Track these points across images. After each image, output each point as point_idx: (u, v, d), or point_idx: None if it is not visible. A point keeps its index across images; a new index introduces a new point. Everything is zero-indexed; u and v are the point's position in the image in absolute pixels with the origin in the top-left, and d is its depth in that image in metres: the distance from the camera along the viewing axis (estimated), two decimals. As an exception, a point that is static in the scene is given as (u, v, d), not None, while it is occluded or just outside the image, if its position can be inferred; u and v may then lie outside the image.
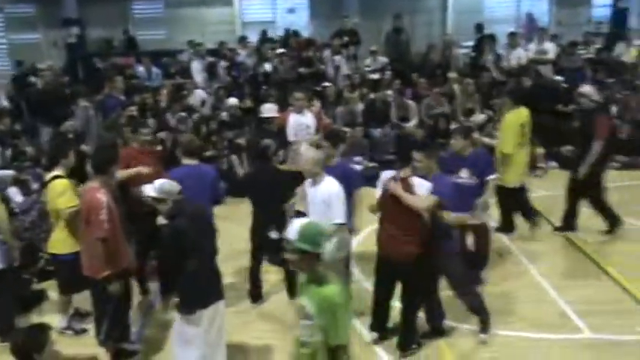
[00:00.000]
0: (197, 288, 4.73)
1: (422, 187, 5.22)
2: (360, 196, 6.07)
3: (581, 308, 6.24)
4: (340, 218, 5.42)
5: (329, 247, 3.62)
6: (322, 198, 5.43)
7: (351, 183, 5.87)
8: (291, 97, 8.32)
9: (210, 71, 13.05)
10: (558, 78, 12.22)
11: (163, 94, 11.29)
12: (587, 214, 8.56)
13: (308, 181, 5.63)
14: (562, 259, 7.45)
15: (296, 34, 15.37)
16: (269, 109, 7.56)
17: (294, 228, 3.52)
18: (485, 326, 5.79)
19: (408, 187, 5.23)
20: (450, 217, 5.29)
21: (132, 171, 6.26)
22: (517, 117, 7.53)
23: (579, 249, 7.67)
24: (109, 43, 17.11)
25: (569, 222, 8.08)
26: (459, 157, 6.39)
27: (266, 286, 6.79)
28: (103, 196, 4.99)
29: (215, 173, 6.43)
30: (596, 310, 6.20)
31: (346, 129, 11.16)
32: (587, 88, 7.81)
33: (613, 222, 7.94)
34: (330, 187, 5.45)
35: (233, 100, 11.10)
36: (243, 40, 14.52)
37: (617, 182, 9.99)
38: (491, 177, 6.40)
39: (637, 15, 18.03)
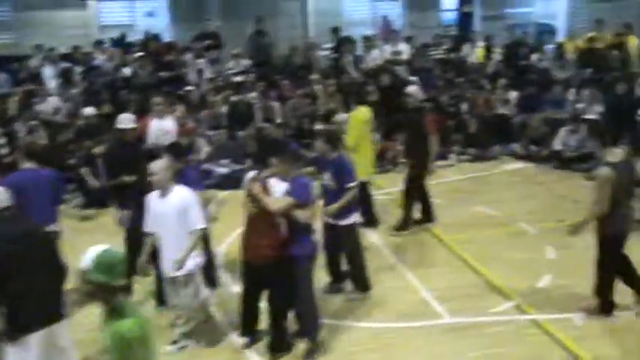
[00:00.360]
0: (21, 311, 4.34)
1: (278, 188, 5.30)
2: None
3: (440, 295, 6.61)
4: (201, 223, 5.39)
5: None
6: (176, 209, 5.31)
7: None
8: (151, 102, 8.12)
9: (65, 77, 12.39)
10: (413, 78, 12.85)
11: (12, 101, 10.58)
12: (443, 206, 9.11)
13: (154, 194, 5.44)
14: (422, 250, 7.84)
15: (156, 37, 14.98)
16: (126, 120, 7.25)
17: (88, 257, 3.29)
18: (311, 350, 5.60)
19: (266, 189, 5.30)
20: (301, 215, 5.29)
21: None
22: (360, 114, 8.03)
23: (438, 238, 8.12)
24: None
25: (428, 214, 8.51)
26: (324, 159, 6.46)
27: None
28: None
29: (55, 175, 6.22)
30: (454, 295, 6.60)
31: (211, 132, 11.07)
32: (412, 89, 8.33)
33: (405, 222, 8.31)
34: (182, 194, 5.36)
35: (89, 110, 10.57)
36: (99, 44, 13.93)
37: (468, 173, 10.77)
38: (351, 184, 6.30)
39: (480, 19, 19.40)
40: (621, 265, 6.07)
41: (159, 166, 5.32)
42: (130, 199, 6.47)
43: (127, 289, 3.60)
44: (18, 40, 16.07)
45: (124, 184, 6.63)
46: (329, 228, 6.52)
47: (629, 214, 5.95)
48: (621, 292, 6.14)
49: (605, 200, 5.63)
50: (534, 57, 13.67)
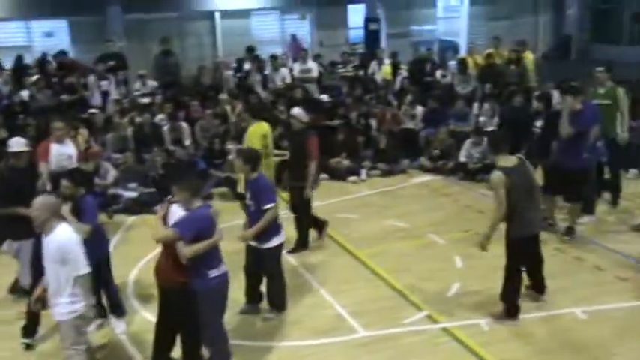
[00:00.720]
0: None
1: (174, 216, 5.18)
2: None
3: (354, 309, 6.66)
4: (83, 269, 4.81)
5: None
6: (51, 254, 4.79)
7: None
8: (52, 127, 7.77)
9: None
10: (324, 96, 13.02)
11: None
12: (355, 221, 9.24)
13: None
14: (335, 266, 7.87)
15: (63, 53, 14.47)
16: (17, 144, 6.91)
17: None
18: None
19: (166, 215, 5.23)
20: (183, 250, 5.08)
21: None
22: (258, 129, 8.10)
23: (350, 253, 8.19)
24: None
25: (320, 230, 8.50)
26: (248, 180, 6.36)
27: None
28: None
29: None
30: (368, 308, 6.67)
31: (117, 156, 10.76)
32: (296, 111, 8.20)
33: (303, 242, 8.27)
34: (61, 239, 4.78)
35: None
36: None
37: (379, 188, 10.97)
38: (269, 206, 6.16)
39: (386, 36, 19.97)
40: (530, 264, 6.36)
41: (39, 203, 4.83)
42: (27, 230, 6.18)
43: None
44: None
45: (17, 214, 6.29)
46: (251, 250, 6.44)
47: (533, 217, 6.22)
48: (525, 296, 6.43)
49: (502, 203, 5.89)
50: (438, 73, 14.15)
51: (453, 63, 15.03)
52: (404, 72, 14.49)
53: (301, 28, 20.17)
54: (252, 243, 6.39)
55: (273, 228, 6.33)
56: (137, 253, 8.13)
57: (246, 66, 13.94)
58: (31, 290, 6.43)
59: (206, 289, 5.20)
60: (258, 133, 8.05)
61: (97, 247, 5.83)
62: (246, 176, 6.34)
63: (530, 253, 6.36)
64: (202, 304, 5.25)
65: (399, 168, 11.77)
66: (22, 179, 6.63)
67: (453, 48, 21.37)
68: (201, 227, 5.13)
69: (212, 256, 5.23)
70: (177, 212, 5.20)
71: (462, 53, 18.85)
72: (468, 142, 11.37)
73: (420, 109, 12.65)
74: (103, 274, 6.20)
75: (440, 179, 11.32)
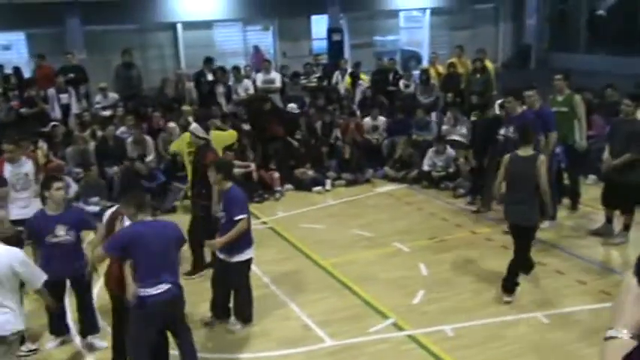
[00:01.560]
0: None
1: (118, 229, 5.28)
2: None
3: (321, 319, 6.65)
4: (40, 281, 4.93)
5: None
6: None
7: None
8: (2, 148, 7.47)
9: None
10: (293, 105, 13.00)
11: None
12: (320, 231, 9.24)
13: None
14: (301, 276, 7.84)
15: (17, 70, 14.21)
16: None
17: None
18: None
19: (113, 228, 5.30)
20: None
21: None
22: (219, 136, 8.33)
23: (315, 263, 8.18)
24: None
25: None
26: (220, 190, 6.32)
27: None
28: None
29: None
30: (334, 318, 6.66)
31: (78, 170, 10.58)
32: (193, 126, 8.02)
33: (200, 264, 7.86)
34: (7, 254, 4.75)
35: None
36: None
37: (344, 198, 11.00)
38: (240, 217, 6.11)
39: (349, 47, 20.13)
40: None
41: None
42: None
43: None
44: None
45: None
46: (220, 263, 6.38)
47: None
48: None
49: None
50: (402, 83, 14.28)
51: (415, 72, 15.22)
52: (364, 83, 14.55)
53: (264, 39, 20.20)
54: (222, 255, 6.33)
55: (245, 241, 6.28)
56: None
57: (209, 77, 13.85)
58: None
59: (134, 306, 5.06)
60: (220, 141, 8.21)
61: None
62: (219, 186, 6.30)
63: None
64: (131, 320, 5.17)
65: (364, 177, 11.82)
66: None
67: (416, 58, 21.71)
68: (127, 243, 5.02)
69: (147, 276, 5.02)
70: (123, 225, 5.25)
71: (425, 63, 19.12)
72: (430, 151, 11.49)
73: (382, 120, 12.74)
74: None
75: (404, 188, 11.40)
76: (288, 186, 11.45)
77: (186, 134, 8.16)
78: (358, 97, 14.19)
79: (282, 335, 6.39)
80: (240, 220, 6.11)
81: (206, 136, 7.76)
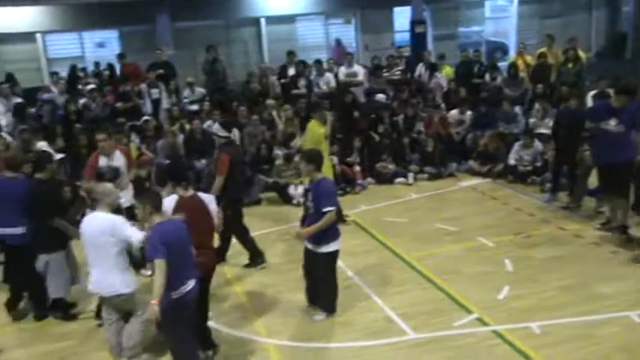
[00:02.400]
0: None
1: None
2: None
3: (403, 312, 6.63)
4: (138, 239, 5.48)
5: None
6: None
7: None
8: (96, 139, 7.84)
9: (19, 113, 12.10)
10: (381, 96, 12.99)
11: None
12: (403, 224, 9.20)
13: None
14: (384, 269, 7.84)
15: (111, 67, 14.90)
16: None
17: None
18: None
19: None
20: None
21: None
22: (316, 126, 8.62)
23: (399, 257, 8.17)
24: None
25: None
26: (311, 181, 6.40)
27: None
28: None
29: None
30: (417, 311, 6.63)
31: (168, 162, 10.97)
32: (215, 126, 8.11)
33: (254, 255, 8.09)
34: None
35: (42, 144, 10.38)
36: (54, 75, 13.89)
37: (427, 192, 10.90)
38: (328, 209, 6.15)
39: (432, 38, 19.84)
40: None
41: None
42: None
43: None
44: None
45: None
46: (307, 252, 6.49)
47: None
48: None
49: None
50: (487, 76, 13.94)
51: (502, 64, 14.81)
52: (440, 75, 14.25)
53: (346, 32, 20.21)
54: (309, 245, 6.43)
55: (331, 233, 6.32)
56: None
57: (291, 71, 14.03)
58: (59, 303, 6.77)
59: (164, 309, 4.92)
60: (315, 130, 8.53)
61: None
62: (310, 177, 6.37)
63: None
64: (163, 324, 5.08)
65: (447, 171, 11.67)
66: (49, 191, 6.73)
67: (502, 49, 21.12)
68: (166, 245, 4.94)
69: (173, 277, 4.99)
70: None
71: (511, 54, 18.59)
72: (517, 144, 11.20)
73: (469, 114, 12.52)
74: None
75: (488, 182, 11.18)
76: (370, 179, 11.46)
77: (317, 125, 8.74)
78: (437, 89, 13.93)
79: (365, 327, 6.43)
80: (328, 212, 6.17)
81: (228, 135, 7.91)
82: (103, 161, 7.60)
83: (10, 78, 13.90)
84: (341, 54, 16.50)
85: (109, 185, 6.00)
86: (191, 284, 5.17)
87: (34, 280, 6.74)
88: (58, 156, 7.29)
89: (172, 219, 5.26)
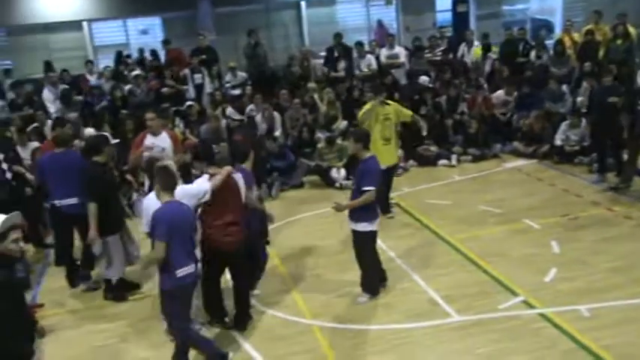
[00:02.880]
0: None
1: (150, 206, 5.44)
2: None
3: (447, 294, 6.60)
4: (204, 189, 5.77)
5: None
6: None
7: None
8: (145, 117, 8.01)
9: (65, 99, 12.41)
10: (425, 78, 12.86)
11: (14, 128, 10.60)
12: (446, 206, 9.13)
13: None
14: (427, 250, 7.82)
15: (155, 53, 15.10)
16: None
17: None
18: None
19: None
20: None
21: None
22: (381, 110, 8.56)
23: (442, 238, 8.12)
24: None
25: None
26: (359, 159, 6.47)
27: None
28: None
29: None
30: (461, 293, 6.59)
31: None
32: (229, 110, 8.20)
33: None
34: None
35: (89, 130, 10.62)
36: (90, 63, 14.24)
37: (470, 173, 10.78)
38: (368, 188, 6.22)
39: (475, 18, 19.46)
40: None
41: None
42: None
43: None
44: (15, 66, 16.18)
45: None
46: (351, 231, 6.57)
47: None
48: None
49: None
50: (533, 54, 13.63)
51: (548, 42, 14.44)
52: (493, 55, 14.02)
53: (387, 13, 19.97)
54: (351, 224, 6.49)
55: (368, 213, 6.35)
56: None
57: (335, 53, 13.98)
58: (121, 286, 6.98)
59: (171, 288, 5.13)
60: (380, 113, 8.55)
61: None
62: (358, 155, 6.44)
63: None
64: (168, 302, 5.26)
65: (491, 153, 11.51)
66: (104, 175, 6.88)
67: (547, 27, 20.58)
68: (169, 228, 5.02)
69: (180, 255, 5.11)
70: (153, 202, 5.33)
71: (557, 31, 18.11)
72: (564, 124, 10.95)
73: (514, 95, 12.28)
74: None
75: (534, 163, 10.99)
76: (412, 162, 11.39)
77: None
78: (488, 69, 13.71)
79: (407, 308, 6.42)
80: (367, 191, 6.19)
81: (242, 118, 7.97)
82: (149, 140, 7.75)
83: (48, 66, 14.27)
84: (383, 35, 16.34)
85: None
86: (190, 268, 5.22)
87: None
88: (114, 141, 7.46)
89: (179, 202, 5.23)
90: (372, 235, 6.53)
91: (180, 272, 5.11)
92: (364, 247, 6.55)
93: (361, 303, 6.62)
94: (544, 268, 6.98)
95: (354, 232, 6.46)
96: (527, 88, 12.22)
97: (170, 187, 5.17)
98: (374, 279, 6.73)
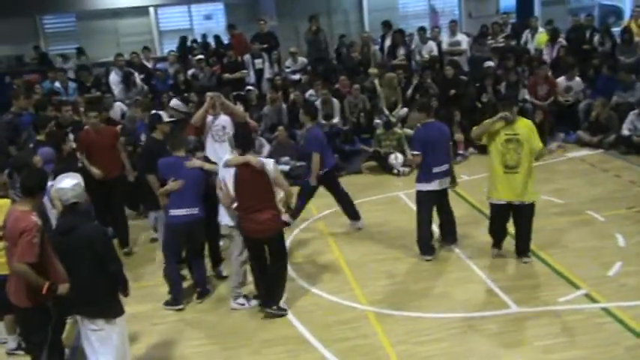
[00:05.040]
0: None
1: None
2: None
3: (506, 284, 6.52)
4: None
5: None
6: None
7: None
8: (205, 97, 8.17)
9: (126, 82, 12.73)
10: (490, 63, 12.62)
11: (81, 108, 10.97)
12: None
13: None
14: (487, 241, 7.68)
15: (218, 38, 15.33)
16: (164, 115, 7.71)
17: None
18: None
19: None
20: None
21: None
22: None
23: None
24: (20, 60, 16.56)
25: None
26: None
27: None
28: (36, 219, 4.79)
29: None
30: (520, 284, 6.50)
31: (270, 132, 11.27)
32: (174, 102, 8.57)
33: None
34: None
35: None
36: (146, 50, 14.68)
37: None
38: (414, 152, 7.14)
39: (540, 4, 18.91)
40: None
41: None
42: None
43: None
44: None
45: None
46: None
47: None
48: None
49: None
50: (595, 39, 13.16)
51: (615, 30, 13.92)
52: (562, 40, 13.55)
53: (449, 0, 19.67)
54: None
55: (423, 175, 7.08)
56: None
57: (387, 42, 13.88)
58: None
59: (165, 223, 6.65)
60: None
61: None
62: (421, 121, 7.20)
63: None
64: (164, 232, 6.75)
65: (554, 142, 11.21)
66: (160, 151, 7.01)
67: (616, 13, 19.83)
68: (165, 172, 6.54)
69: (172, 200, 6.46)
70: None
71: (626, 18, 17.41)
72: (632, 114, 10.58)
73: (578, 81, 11.92)
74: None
75: (599, 153, 10.66)
76: (472, 149, 11.21)
77: None
78: (554, 55, 13.27)
79: (465, 298, 6.36)
80: (414, 154, 7.12)
81: (187, 111, 8.42)
82: (209, 119, 7.91)
83: (80, 51, 14.96)
84: (436, 20, 16.15)
85: None
86: (181, 212, 6.40)
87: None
88: (166, 119, 7.65)
89: (184, 159, 6.50)
90: (427, 195, 7.12)
91: (172, 212, 6.44)
92: (418, 205, 7.23)
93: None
94: (608, 261, 6.79)
95: (417, 193, 7.22)
96: (596, 75, 11.80)
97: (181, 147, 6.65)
98: (421, 238, 7.22)
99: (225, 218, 6.39)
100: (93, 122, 7.98)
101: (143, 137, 7.31)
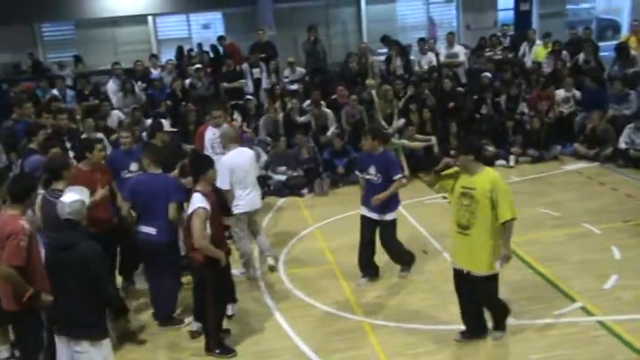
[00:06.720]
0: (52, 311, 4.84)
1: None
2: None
3: (503, 297, 6.45)
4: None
5: None
6: None
7: None
8: (211, 114, 8.25)
9: (123, 90, 12.71)
10: (487, 74, 12.63)
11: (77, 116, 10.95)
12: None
13: None
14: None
15: (215, 48, 15.35)
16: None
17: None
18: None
19: None
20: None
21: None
22: None
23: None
24: (17, 68, 16.57)
25: None
26: (369, 155, 6.86)
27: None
28: (24, 223, 4.79)
29: None
30: (517, 297, 6.46)
31: (268, 140, 11.25)
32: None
33: None
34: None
35: (149, 122, 10.87)
36: (153, 57, 14.61)
37: (528, 175, 10.57)
38: (398, 176, 6.76)
39: (538, 17, 19.00)
40: None
41: None
42: None
43: None
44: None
45: None
46: (368, 223, 6.92)
47: None
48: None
49: None
50: (581, 58, 13.12)
51: (612, 43, 13.95)
52: (566, 53, 13.52)
53: (447, 11, 19.75)
54: (373, 216, 6.84)
55: (394, 202, 6.87)
56: (287, 233, 8.55)
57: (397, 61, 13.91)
58: None
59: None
60: None
61: None
62: (373, 150, 6.78)
63: None
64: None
65: (550, 154, 11.23)
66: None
67: (613, 26, 19.97)
68: (133, 190, 6.31)
69: (140, 218, 6.30)
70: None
71: (624, 32, 17.53)
72: (628, 128, 10.61)
73: (575, 93, 11.95)
74: None
75: (596, 166, 10.68)
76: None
77: None
78: (551, 68, 13.28)
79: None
80: (399, 178, 6.74)
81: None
82: (211, 131, 8.02)
83: (77, 59, 14.96)
84: (433, 31, 16.20)
85: None
86: (145, 230, 6.17)
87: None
88: (168, 128, 7.69)
89: (159, 174, 6.29)
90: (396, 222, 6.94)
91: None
92: (394, 234, 6.93)
93: (403, 277, 7.12)
94: (604, 274, 6.79)
95: (385, 223, 6.82)
96: (592, 86, 11.82)
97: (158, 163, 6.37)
98: (407, 254, 7.13)
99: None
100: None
101: (133, 167, 7.13)
